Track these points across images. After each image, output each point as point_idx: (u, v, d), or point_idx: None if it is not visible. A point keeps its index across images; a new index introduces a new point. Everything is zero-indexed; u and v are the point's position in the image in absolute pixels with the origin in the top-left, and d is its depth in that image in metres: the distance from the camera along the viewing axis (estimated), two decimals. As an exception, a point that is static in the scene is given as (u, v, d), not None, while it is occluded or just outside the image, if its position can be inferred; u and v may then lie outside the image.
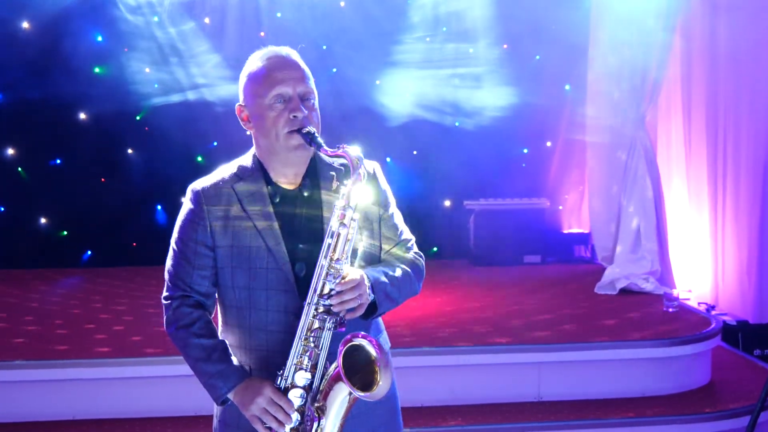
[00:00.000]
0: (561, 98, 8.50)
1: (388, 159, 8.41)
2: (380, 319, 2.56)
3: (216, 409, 2.52)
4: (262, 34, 8.15)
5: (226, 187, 2.45)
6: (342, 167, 2.49)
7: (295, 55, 2.47)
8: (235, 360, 2.41)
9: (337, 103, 7.74)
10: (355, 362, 2.25)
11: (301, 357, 2.31)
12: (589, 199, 7.94)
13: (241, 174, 2.48)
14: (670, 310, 6.05)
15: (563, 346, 5.19)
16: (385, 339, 2.59)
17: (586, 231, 8.51)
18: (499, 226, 8.26)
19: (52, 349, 5.17)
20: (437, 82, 8.46)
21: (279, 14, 8.34)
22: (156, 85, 8.22)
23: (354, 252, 2.41)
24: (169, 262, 2.48)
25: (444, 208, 8.81)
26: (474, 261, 8.32)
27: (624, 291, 6.73)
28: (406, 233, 2.62)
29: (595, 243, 7.86)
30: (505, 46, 8.43)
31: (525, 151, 8.89)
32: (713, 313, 6.41)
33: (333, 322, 2.32)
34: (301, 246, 2.42)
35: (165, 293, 2.48)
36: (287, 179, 2.47)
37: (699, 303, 6.81)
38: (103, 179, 8.37)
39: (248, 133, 2.51)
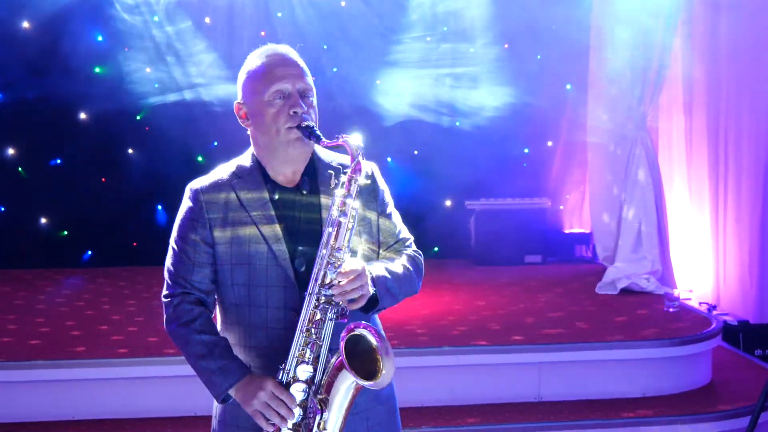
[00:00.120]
0: (562, 98, 8.49)
1: (389, 159, 8.40)
2: (377, 317, 2.56)
3: (215, 409, 2.52)
4: (263, 33, 8.15)
5: (224, 185, 2.46)
6: (340, 166, 2.49)
7: (293, 53, 2.48)
8: (236, 357, 2.41)
9: (338, 102, 7.74)
10: (356, 352, 2.25)
11: (302, 349, 2.31)
12: (590, 199, 7.94)
13: (240, 172, 2.48)
14: (671, 310, 6.04)
15: (563, 346, 5.18)
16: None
17: (587, 231, 8.50)
18: (500, 226, 8.26)
19: (53, 350, 5.17)
20: (438, 81, 8.46)
21: (279, 14, 8.33)
22: (156, 85, 8.21)
23: (353, 253, 2.41)
24: (168, 261, 2.49)
25: (445, 207, 8.80)
26: (475, 261, 8.32)
27: (625, 291, 6.73)
28: (405, 232, 2.62)
29: (596, 243, 7.86)
30: (506, 45, 8.42)
31: (526, 150, 8.88)
32: (714, 313, 6.41)
33: (335, 313, 2.32)
34: (300, 241, 2.43)
35: (165, 291, 2.48)
36: (286, 177, 2.48)
37: (700, 303, 6.80)
38: (103, 179, 8.37)
39: (248, 132, 2.51)
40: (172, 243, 2.49)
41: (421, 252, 2.62)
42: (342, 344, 2.23)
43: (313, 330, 2.31)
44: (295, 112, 2.38)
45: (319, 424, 2.30)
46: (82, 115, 8.31)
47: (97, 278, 7.71)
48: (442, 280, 7.34)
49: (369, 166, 2.53)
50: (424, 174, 8.47)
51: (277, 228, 2.42)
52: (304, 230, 2.44)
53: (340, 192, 2.35)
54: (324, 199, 2.46)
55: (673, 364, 5.23)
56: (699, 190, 7.12)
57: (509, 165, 8.62)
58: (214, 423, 2.52)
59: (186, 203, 2.48)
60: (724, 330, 5.89)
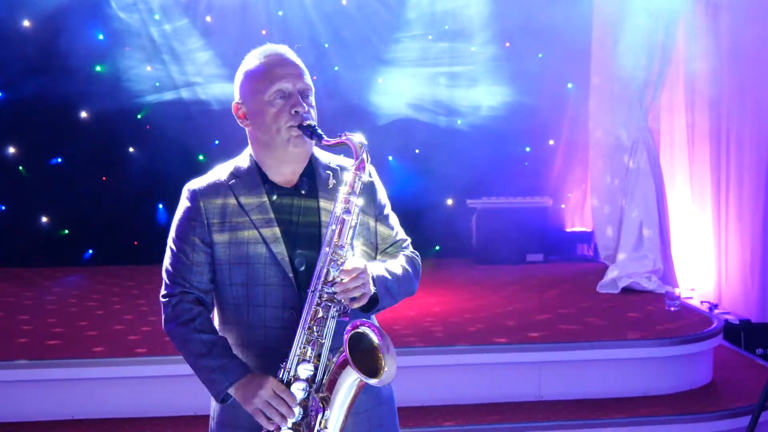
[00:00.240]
0: (563, 96, 8.49)
1: (390, 158, 8.40)
2: (374, 317, 2.56)
3: (212, 410, 2.51)
4: (264, 32, 8.15)
5: (222, 186, 2.46)
6: (338, 167, 2.50)
7: (291, 53, 2.48)
8: (236, 356, 2.40)
9: (338, 101, 7.73)
10: (358, 350, 2.25)
11: (304, 348, 2.31)
12: (592, 198, 7.93)
13: (238, 172, 2.48)
14: (672, 309, 6.03)
15: (564, 345, 5.17)
16: None
17: (589, 230, 8.50)
18: (501, 225, 8.26)
19: (54, 349, 5.17)
20: (439, 80, 8.46)
21: (280, 12, 8.33)
22: (157, 84, 8.22)
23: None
24: (166, 261, 2.48)
25: (446, 206, 8.80)
26: (476, 259, 8.31)
27: (626, 290, 6.72)
28: (402, 233, 2.62)
29: (598, 242, 7.85)
30: (507, 44, 8.41)
31: (527, 149, 8.87)
32: (716, 312, 6.40)
33: (337, 310, 2.32)
34: (298, 241, 2.43)
35: (163, 291, 2.47)
36: (284, 178, 2.47)
37: (702, 302, 6.80)
38: (104, 178, 8.37)
39: (248, 132, 2.50)
40: (170, 243, 2.48)
41: (418, 253, 2.62)
42: (346, 342, 2.23)
43: (314, 328, 2.31)
44: (296, 112, 2.38)
45: (320, 422, 2.30)
46: (83, 114, 8.31)
47: (97, 276, 7.71)
48: (443, 279, 7.33)
49: (368, 167, 2.53)
50: (425, 173, 8.47)
51: (276, 229, 2.42)
52: (303, 230, 2.44)
53: (344, 189, 2.36)
54: (322, 200, 2.46)
55: (674, 364, 5.22)
56: (701, 189, 7.11)
57: (510, 164, 8.62)
58: (212, 424, 2.51)
59: (184, 203, 2.47)
60: (725, 329, 5.89)
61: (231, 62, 7.93)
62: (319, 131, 2.36)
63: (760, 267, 6.43)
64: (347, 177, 2.36)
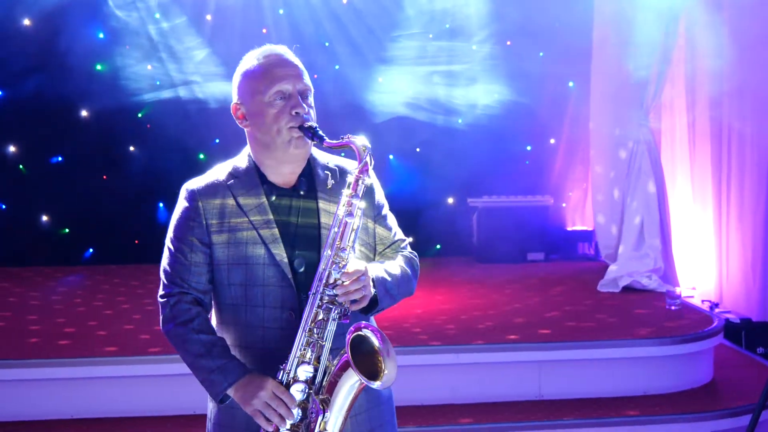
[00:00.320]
0: (564, 95, 8.48)
1: (390, 156, 8.39)
2: (372, 318, 2.55)
3: (210, 411, 2.50)
4: (264, 30, 8.14)
5: (221, 187, 2.45)
6: (337, 167, 2.50)
7: (291, 54, 2.47)
8: (234, 356, 2.39)
9: (339, 100, 7.72)
10: (359, 353, 2.25)
11: (304, 350, 2.31)
12: (593, 197, 7.92)
13: (236, 173, 2.47)
14: (673, 308, 6.02)
15: (564, 344, 5.17)
16: None
17: (590, 228, 8.49)
18: (502, 224, 8.26)
19: (54, 349, 5.17)
20: (440, 79, 8.45)
21: (281, 11, 8.32)
22: (158, 83, 8.22)
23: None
24: (164, 261, 2.47)
25: (447, 205, 8.80)
26: (477, 258, 8.31)
27: (627, 289, 6.71)
28: (400, 234, 2.62)
29: (599, 240, 7.84)
30: (508, 42, 8.40)
31: (528, 148, 8.87)
32: (717, 311, 6.40)
33: (338, 313, 2.31)
34: (297, 242, 2.42)
35: (161, 291, 2.47)
36: (283, 178, 2.46)
37: (703, 301, 6.79)
38: (104, 176, 8.37)
39: (246, 132, 2.50)
40: (167, 243, 2.47)
41: (416, 253, 2.61)
42: (348, 345, 2.23)
43: (315, 330, 2.31)
44: (297, 113, 2.37)
45: (320, 424, 2.29)
46: (84, 113, 8.31)
47: (97, 275, 7.71)
48: (443, 278, 7.32)
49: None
50: (426, 172, 8.47)
51: (275, 230, 2.41)
52: (302, 231, 2.43)
53: (346, 192, 2.35)
54: (321, 200, 2.45)
55: (674, 363, 5.21)
56: (702, 188, 7.10)
57: (511, 162, 8.62)
58: (209, 425, 2.51)
59: (182, 203, 2.46)
60: (726, 328, 5.88)
61: (233, 60, 7.96)
62: (321, 133, 2.35)
63: (761, 266, 6.41)
64: (350, 179, 2.36)
